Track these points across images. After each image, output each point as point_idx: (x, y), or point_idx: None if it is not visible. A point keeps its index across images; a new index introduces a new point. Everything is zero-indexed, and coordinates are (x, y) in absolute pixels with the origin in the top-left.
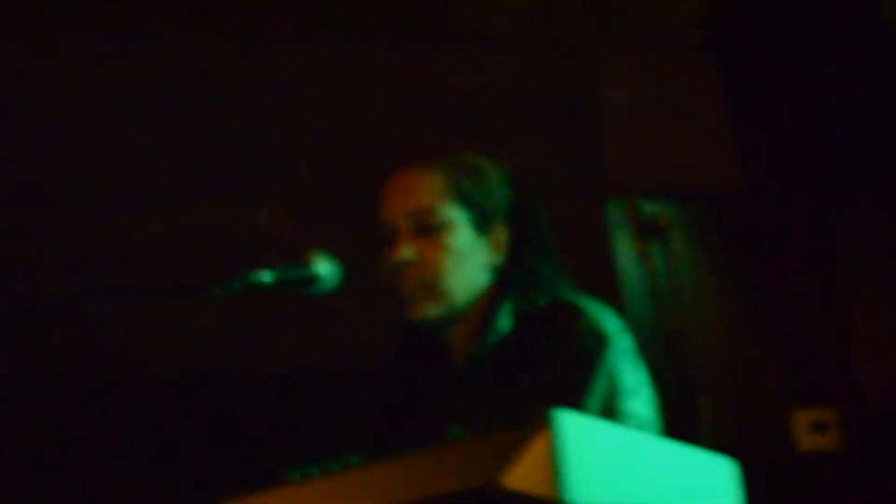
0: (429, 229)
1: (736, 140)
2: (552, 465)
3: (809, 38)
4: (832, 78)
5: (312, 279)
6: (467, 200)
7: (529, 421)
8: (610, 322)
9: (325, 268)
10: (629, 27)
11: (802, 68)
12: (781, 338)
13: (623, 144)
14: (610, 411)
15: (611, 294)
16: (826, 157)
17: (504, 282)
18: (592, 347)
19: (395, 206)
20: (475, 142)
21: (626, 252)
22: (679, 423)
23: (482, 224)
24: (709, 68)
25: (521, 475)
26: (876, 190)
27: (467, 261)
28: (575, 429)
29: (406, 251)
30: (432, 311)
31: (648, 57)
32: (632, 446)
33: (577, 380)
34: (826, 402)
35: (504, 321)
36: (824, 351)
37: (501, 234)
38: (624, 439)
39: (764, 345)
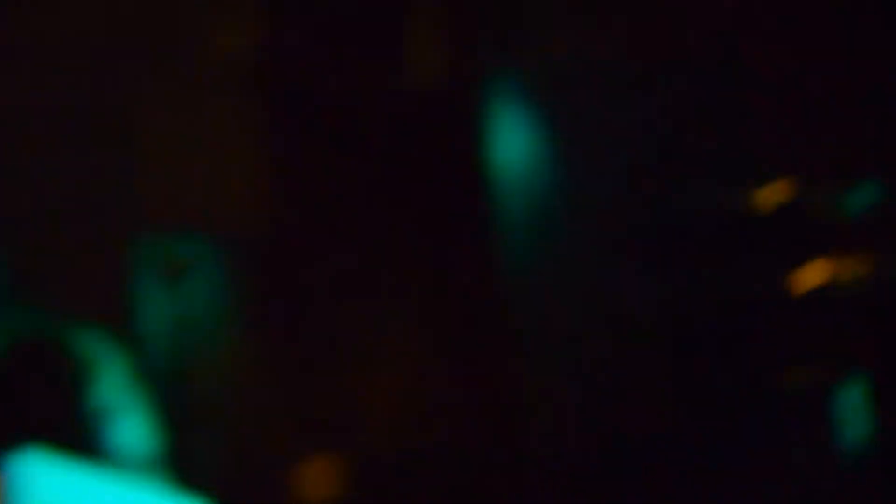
0: None
1: (271, 184)
2: None
3: (355, 90)
4: (366, 127)
5: None
6: None
7: None
8: (98, 351)
9: None
10: (169, 57)
11: (345, 116)
12: (294, 382)
13: (156, 178)
14: (93, 443)
15: (127, 329)
16: (354, 205)
17: None
18: (74, 379)
19: None
20: None
21: (150, 288)
22: (177, 462)
23: None
24: (250, 108)
25: None
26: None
27: None
28: (33, 468)
29: None
30: None
31: (189, 91)
32: (96, 487)
33: (59, 413)
34: (333, 451)
35: None
36: (335, 397)
37: None
38: (87, 479)
39: (278, 388)
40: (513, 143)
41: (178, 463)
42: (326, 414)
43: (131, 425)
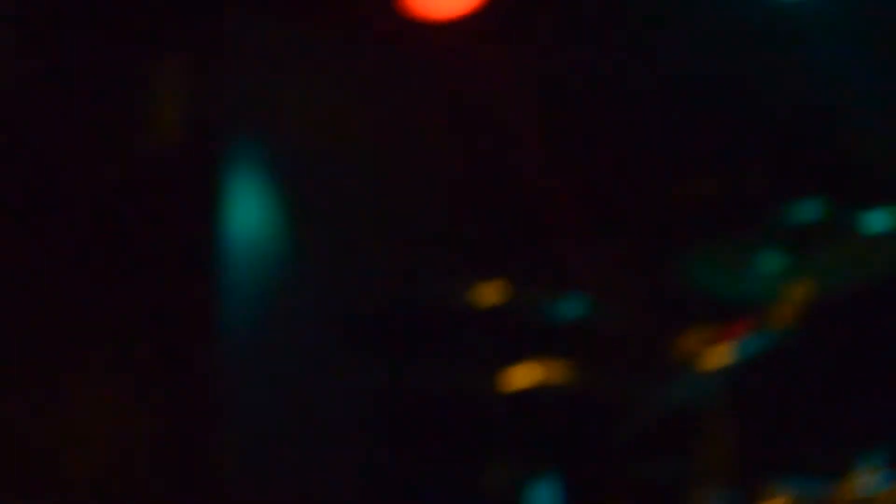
0: None
1: None
2: None
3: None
4: (97, 183)
5: None
6: None
7: None
8: None
9: None
10: None
11: (76, 173)
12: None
13: None
14: None
15: None
16: (75, 265)
17: None
18: None
19: None
20: None
21: None
22: None
23: None
24: None
25: None
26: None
27: None
28: None
29: None
30: None
31: None
32: None
33: None
34: None
35: None
36: (43, 464)
37: None
38: None
39: None
40: (246, 208)
41: None
42: (30, 479)
43: None
